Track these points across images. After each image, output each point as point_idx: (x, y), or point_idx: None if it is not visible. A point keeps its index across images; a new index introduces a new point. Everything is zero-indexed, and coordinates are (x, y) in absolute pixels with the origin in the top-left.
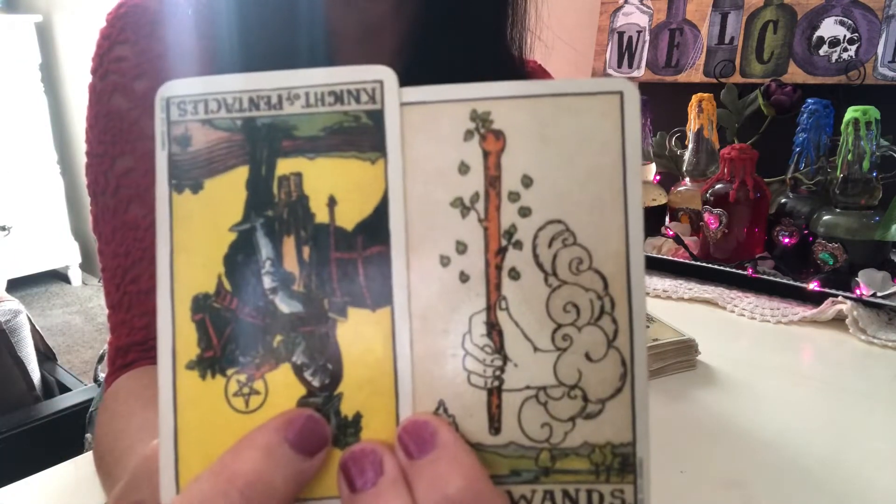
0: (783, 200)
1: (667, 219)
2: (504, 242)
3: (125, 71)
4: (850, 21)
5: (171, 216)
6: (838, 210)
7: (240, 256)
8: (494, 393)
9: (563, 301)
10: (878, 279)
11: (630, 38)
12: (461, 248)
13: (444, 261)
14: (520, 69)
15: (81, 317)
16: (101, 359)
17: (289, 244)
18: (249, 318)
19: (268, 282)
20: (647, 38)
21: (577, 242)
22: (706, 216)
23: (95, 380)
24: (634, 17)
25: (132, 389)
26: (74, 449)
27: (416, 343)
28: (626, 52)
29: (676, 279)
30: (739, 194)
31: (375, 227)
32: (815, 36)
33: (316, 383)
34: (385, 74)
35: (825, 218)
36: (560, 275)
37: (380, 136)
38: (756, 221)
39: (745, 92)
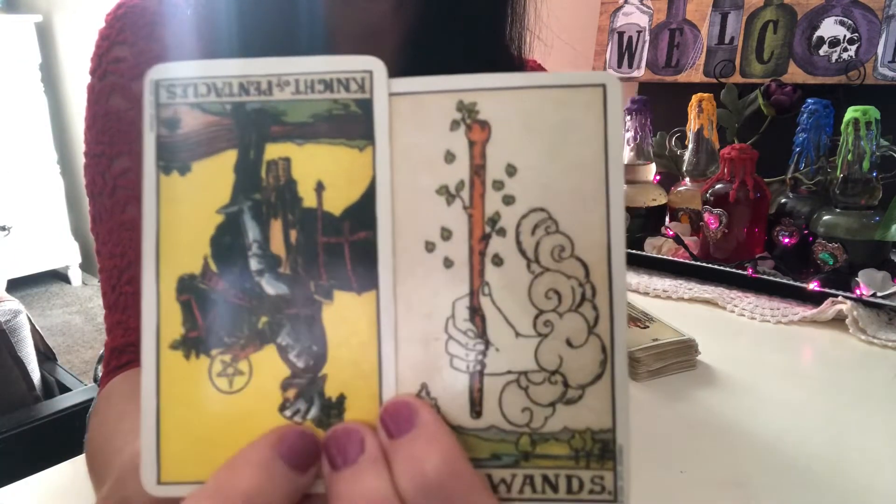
0: (783, 200)
1: (667, 219)
2: (488, 229)
3: (123, 71)
4: (850, 21)
5: (157, 197)
6: (838, 210)
7: (226, 238)
8: (476, 377)
9: (545, 288)
10: (878, 279)
11: (630, 38)
12: (446, 234)
13: (429, 247)
14: (519, 68)
15: (81, 317)
16: (100, 359)
17: (276, 227)
18: (235, 300)
19: (254, 264)
20: (647, 38)
21: (559, 230)
22: (706, 216)
23: (95, 380)
24: (634, 17)
25: (125, 392)
26: (74, 449)
27: (401, 327)
28: (626, 52)
29: (676, 279)
30: (739, 194)
31: (362, 213)
32: (815, 36)
33: (300, 365)
34: (374, 65)
35: (825, 218)
36: (542, 262)
37: (368, 124)
38: (756, 221)
39: (745, 92)
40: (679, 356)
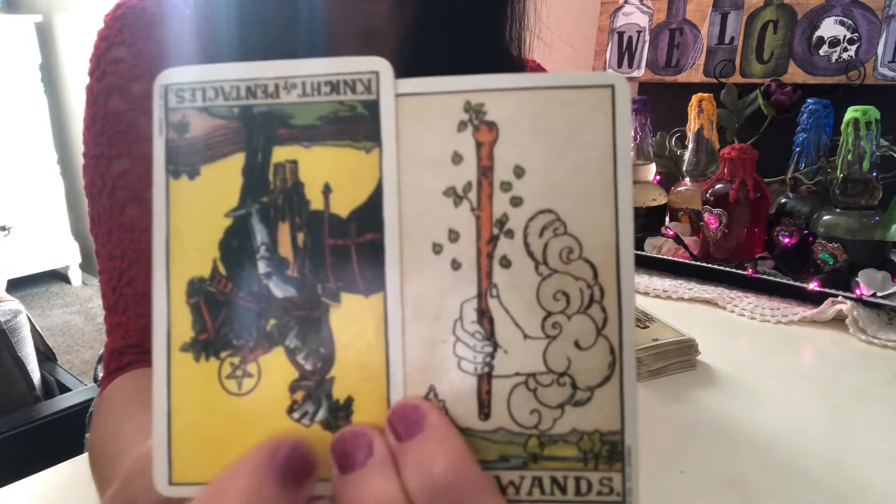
0: (783, 200)
1: (667, 219)
2: (496, 231)
3: (122, 72)
4: (850, 21)
5: (167, 201)
6: (838, 210)
7: (235, 241)
8: (484, 379)
9: (553, 289)
10: (878, 279)
11: (630, 38)
12: (453, 236)
13: (437, 248)
14: (519, 68)
15: (81, 317)
16: (101, 359)
17: (283, 230)
18: (244, 302)
19: (262, 267)
20: (647, 38)
21: (567, 232)
22: (706, 216)
23: (95, 380)
24: (634, 17)
25: (127, 392)
26: (74, 449)
27: (408, 329)
28: (626, 52)
29: (676, 279)
30: (739, 194)
31: (369, 215)
32: (815, 36)
33: (308, 367)
34: (381, 66)
35: (825, 218)
36: (550, 263)
37: (375, 125)
38: (756, 221)
39: (745, 92)
40: (679, 356)
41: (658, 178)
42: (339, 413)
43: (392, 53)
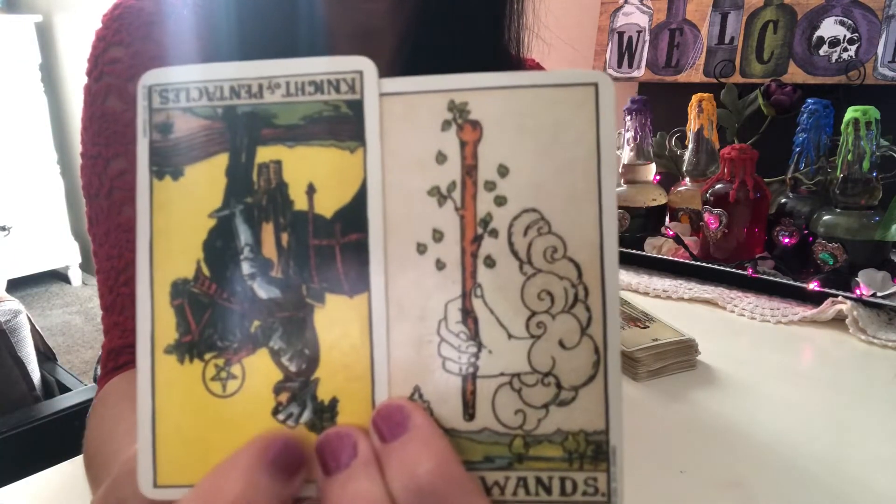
0: (783, 200)
1: (667, 219)
2: (480, 231)
3: (120, 72)
4: (850, 21)
5: (151, 202)
6: (838, 210)
7: (219, 242)
8: (469, 379)
9: (538, 289)
10: (878, 279)
11: (630, 38)
12: (438, 236)
13: (421, 248)
14: (517, 68)
15: (81, 317)
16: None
17: (267, 231)
18: (228, 304)
19: (246, 268)
20: (647, 38)
21: (551, 231)
22: (706, 216)
23: (95, 380)
24: (634, 17)
25: (122, 393)
26: (74, 449)
27: (393, 329)
28: (626, 52)
29: (676, 279)
30: (739, 194)
31: (353, 215)
32: (815, 36)
33: (293, 368)
34: (365, 65)
35: (825, 218)
36: (535, 263)
37: (359, 125)
38: (756, 221)
39: (745, 92)
40: (679, 356)
41: (658, 178)
42: (324, 414)
43: (391, 53)
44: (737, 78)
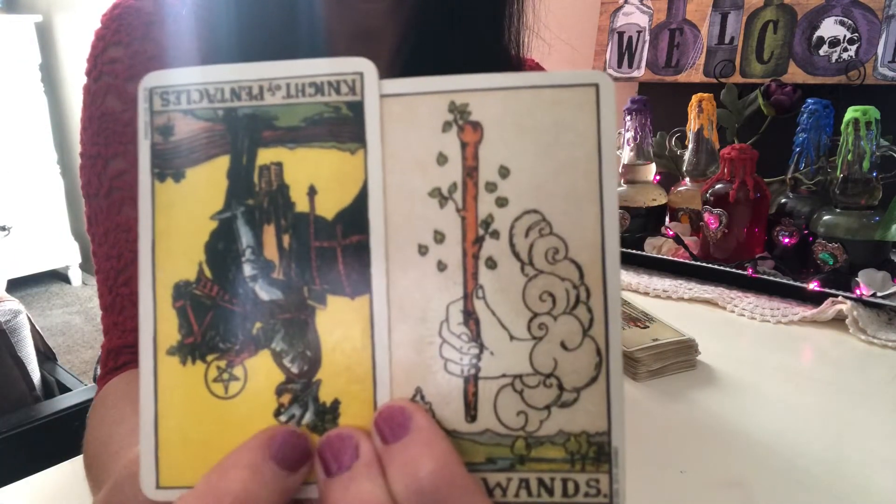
0: (783, 200)
1: (667, 219)
2: (481, 232)
3: (118, 72)
4: (850, 21)
5: (152, 204)
6: (838, 210)
7: (220, 244)
8: (471, 381)
9: (539, 290)
10: (878, 279)
11: (630, 38)
12: (439, 237)
13: (423, 250)
14: (517, 68)
15: (81, 317)
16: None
17: (269, 233)
18: (229, 306)
19: (248, 269)
20: (647, 38)
21: (553, 232)
22: (706, 216)
23: (95, 380)
24: (634, 17)
25: (122, 394)
26: (74, 449)
27: (394, 331)
28: (626, 52)
29: (676, 279)
30: (739, 194)
31: (355, 217)
32: (815, 36)
33: (295, 370)
34: (365, 66)
35: (825, 218)
36: (536, 264)
37: (360, 126)
38: (756, 221)
39: (745, 92)
40: (679, 356)
41: (658, 178)
42: (326, 416)
43: (391, 54)
44: (737, 78)
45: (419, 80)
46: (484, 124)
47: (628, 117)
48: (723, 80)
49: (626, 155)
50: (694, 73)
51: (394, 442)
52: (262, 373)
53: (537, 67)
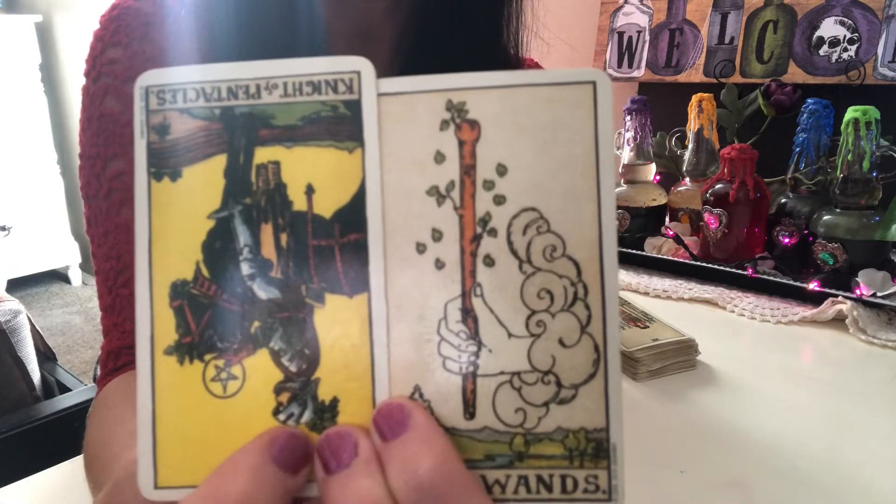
0: (783, 200)
1: (667, 219)
2: (479, 230)
3: (117, 73)
4: (850, 21)
5: (149, 204)
6: (838, 210)
7: (218, 243)
8: (469, 378)
9: (537, 288)
10: (878, 279)
11: (630, 38)
12: (437, 235)
13: (420, 248)
14: (516, 67)
15: (81, 317)
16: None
17: (266, 231)
18: (227, 305)
19: (245, 268)
20: (647, 38)
21: (550, 230)
22: (706, 216)
23: (95, 380)
24: (634, 17)
25: (122, 394)
26: (74, 449)
27: (393, 329)
28: (626, 52)
29: (676, 279)
30: (739, 194)
31: (352, 215)
32: (815, 36)
33: (293, 368)
34: (362, 65)
35: (825, 218)
36: (534, 262)
37: (357, 125)
38: (756, 221)
39: (745, 92)
40: (679, 356)
41: (658, 178)
42: (325, 414)
43: (389, 53)
44: (737, 78)
45: (416, 78)
46: (481, 122)
47: (628, 117)
48: (723, 80)
49: (626, 155)
50: (694, 73)
51: (392, 439)
52: (260, 372)
53: (536, 67)
